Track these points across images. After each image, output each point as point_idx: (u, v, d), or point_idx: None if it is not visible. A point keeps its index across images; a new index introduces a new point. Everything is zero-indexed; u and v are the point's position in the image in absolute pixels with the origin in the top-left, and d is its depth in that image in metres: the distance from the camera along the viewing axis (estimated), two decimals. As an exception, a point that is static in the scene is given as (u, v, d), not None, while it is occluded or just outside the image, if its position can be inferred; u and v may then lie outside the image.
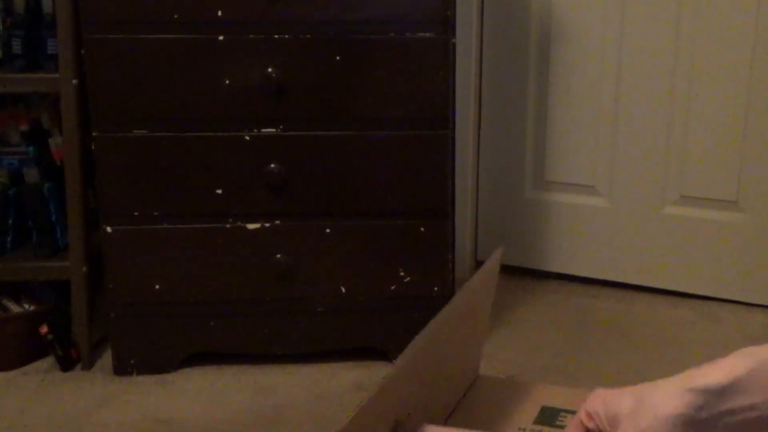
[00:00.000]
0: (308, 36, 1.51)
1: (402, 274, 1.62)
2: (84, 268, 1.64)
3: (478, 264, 2.06)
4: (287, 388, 1.60)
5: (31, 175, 1.71)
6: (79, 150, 1.60)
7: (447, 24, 1.52)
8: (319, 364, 1.67)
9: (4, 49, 1.63)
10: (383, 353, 1.66)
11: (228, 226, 1.59)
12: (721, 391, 0.64)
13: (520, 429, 0.89)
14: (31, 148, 1.71)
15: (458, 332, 0.93)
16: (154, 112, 1.54)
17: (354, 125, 1.56)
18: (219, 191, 1.57)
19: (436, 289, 1.61)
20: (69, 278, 1.65)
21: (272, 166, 1.55)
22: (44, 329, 1.65)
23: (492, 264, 1.04)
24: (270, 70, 1.51)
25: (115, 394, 1.59)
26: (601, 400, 0.69)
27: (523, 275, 2.08)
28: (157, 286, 1.60)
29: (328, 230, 1.60)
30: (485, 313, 1.04)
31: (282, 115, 1.54)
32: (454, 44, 1.54)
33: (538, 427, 0.87)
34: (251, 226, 1.59)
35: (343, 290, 1.63)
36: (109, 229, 1.58)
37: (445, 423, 0.88)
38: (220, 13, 1.49)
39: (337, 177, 1.58)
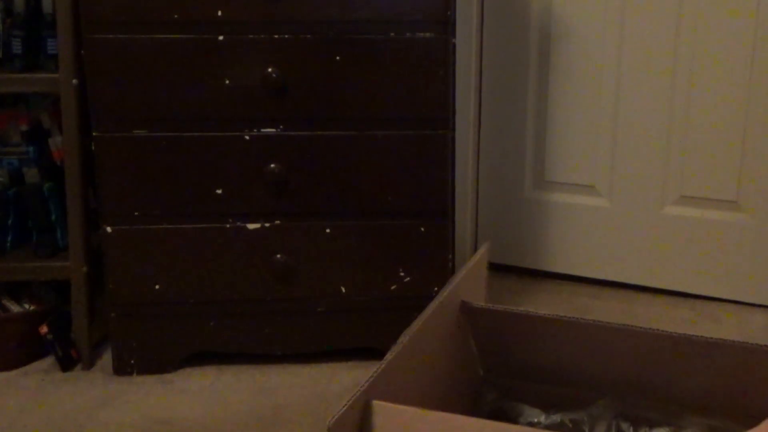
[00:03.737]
0: (308, 36, 1.51)
1: (402, 274, 1.62)
2: (84, 268, 1.64)
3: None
4: (287, 388, 1.60)
5: (31, 175, 1.72)
6: (79, 150, 1.60)
7: (447, 24, 1.52)
8: (319, 364, 1.68)
9: (4, 49, 1.63)
10: (383, 353, 1.65)
11: (228, 226, 1.59)
12: None
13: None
14: (31, 148, 1.71)
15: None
16: (154, 112, 1.54)
17: (354, 125, 1.56)
18: (219, 191, 1.57)
19: (436, 289, 1.61)
20: (69, 278, 1.65)
21: (272, 166, 1.55)
22: (44, 329, 1.65)
23: (478, 258, 1.05)
24: (270, 70, 1.51)
25: (115, 394, 1.59)
26: None
27: (523, 275, 2.08)
28: (157, 286, 1.60)
29: (328, 230, 1.60)
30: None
31: (282, 115, 1.54)
32: (454, 44, 1.54)
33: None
34: (251, 226, 1.59)
35: (343, 290, 1.63)
36: (109, 229, 1.58)
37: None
38: (220, 13, 1.49)
39: (337, 177, 1.58)
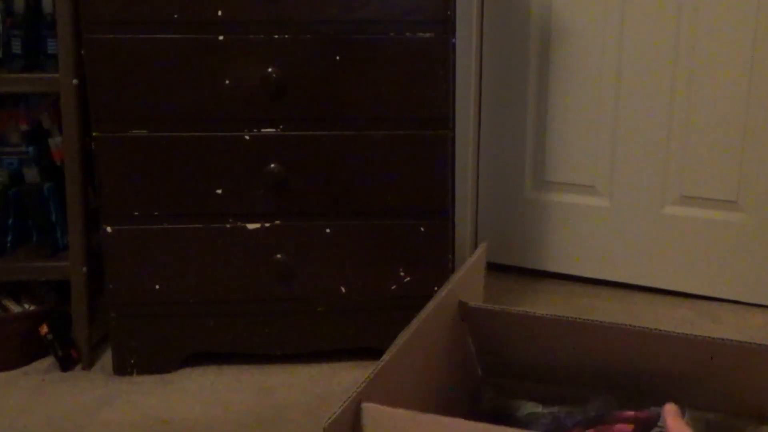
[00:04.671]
0: (308, 36, 1.51)
1: (402, 274, 1.62)
2: (84, 268, 1.64)
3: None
4: (287, 388, 1.60)
5: (31, 175, 1.71)
6: (79, 150, 1.60)
7: (447, 24, 1.52)
8: (319, 364, 1.68)
9: (4, 49, 1.63)
10: (383, 353, 1.65)
11: (228, 226, 1.59)
12: None
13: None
14: (31, 148, 1.71)
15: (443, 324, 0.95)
16: (154, 112, 1.54)
17: (354, 125, 1.56)
18: (219, 191, 1.57)
19: (436, 288, 1.61)
20: (69, 278, 1.65)
21: (272, 166, 1.55)
22: (44, 329, 1.65)
23: (476, 258, 1.05)
24: (270, 70, 1.51)
25: (115, 394, 1.59)
26: None
27: (523, 275, 2.08)
28: (157, 286, 1.60)
29: (328, 230, 1.60)
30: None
31: (282, 115, 1.54)
32: (454, 44, 1.54)
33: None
34: (251, 226, 1.59)
35: (343, 290, 1.63)
36: (109, 229, 1.58)
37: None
38: (220, 13, 1.49)
39: (337, 177, 1.58)
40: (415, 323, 0.88)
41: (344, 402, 0.76)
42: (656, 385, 0.99)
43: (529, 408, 1.02)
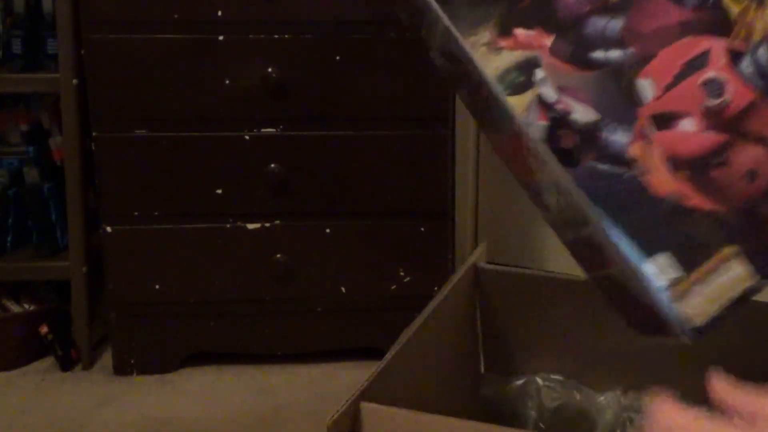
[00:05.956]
0: (308, 36, 1.51)
1: (402, 274, 1.62)
2: (84, 268, 1.64)
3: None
4: (287, 388, 1.60)
5: (31, 175, 1.72)
6: (79, 150, 1.60)
7: (447, 24, 1.52)
8: (319, 364, 1.68)
9: (4, 49, 1.63)
10: (383, 353, 1.65)
11: (228, 226, 1.59)
12: None
13: None
14: (31, 148, 1.71)
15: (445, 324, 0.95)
16: (154, 112, 1.54)
17: (354, 125, 1.56)
18: (219, 191, 1.57)
19: (436, 289, 1.61)
20: (69, 278, 1.65)
21: (272, 166, 1.55)
22: (44, 329, 1.65)
23: (474, 259, 1.05)
24: (270, 70, 1.51)
25: (115, 394, 1.59)
26: None
27: (523, 275, 2.07)
28: (157, 286, 1.60)
29: (328, 230, 1.60)
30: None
31: (282, 115, 1.54)
32: (454, 44, 1.54)
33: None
34: (251, 226, 1.59)
35: (343, 290, 1.63)
36: (109, 229, 1.58)
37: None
38: (220, 13, 1.49)
39: (337, 177, 1.58)
40: (418, 320, 0.88)
41: (347, 400, 0.76)
42: (665, 378, 0.99)
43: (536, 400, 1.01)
